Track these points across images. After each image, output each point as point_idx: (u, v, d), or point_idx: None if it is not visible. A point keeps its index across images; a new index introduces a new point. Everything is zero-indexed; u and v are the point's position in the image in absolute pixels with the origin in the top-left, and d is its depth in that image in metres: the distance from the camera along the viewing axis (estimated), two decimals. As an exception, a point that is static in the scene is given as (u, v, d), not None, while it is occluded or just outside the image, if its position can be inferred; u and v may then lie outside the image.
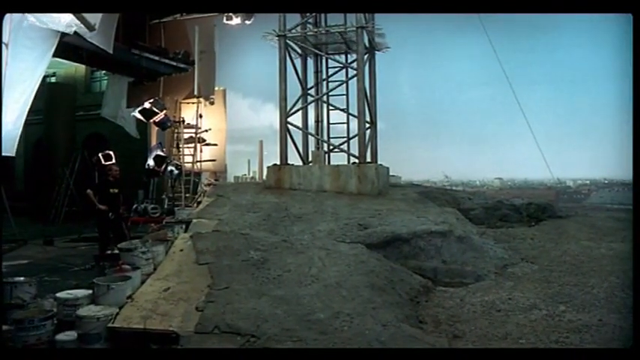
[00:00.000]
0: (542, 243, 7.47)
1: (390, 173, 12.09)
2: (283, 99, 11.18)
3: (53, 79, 20.01)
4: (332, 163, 11.86)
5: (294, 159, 11.62)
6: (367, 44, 11.77)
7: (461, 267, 6.43)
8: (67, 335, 4.56)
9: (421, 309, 5.13)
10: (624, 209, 12.03)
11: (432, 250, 6.67)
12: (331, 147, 12.21)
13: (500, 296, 5.28)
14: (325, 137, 12.47)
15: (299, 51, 12.24)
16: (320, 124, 12.51)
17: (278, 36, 11.01)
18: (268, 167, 11.27)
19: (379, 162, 11.87)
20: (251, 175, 29.07)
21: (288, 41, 11.32)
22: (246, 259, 5.71)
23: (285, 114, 11.19)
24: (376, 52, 12.26)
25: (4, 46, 5.43)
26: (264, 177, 11.12)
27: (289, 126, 11.36)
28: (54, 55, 8.09)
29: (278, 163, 11.11)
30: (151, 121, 11.70)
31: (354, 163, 11.03)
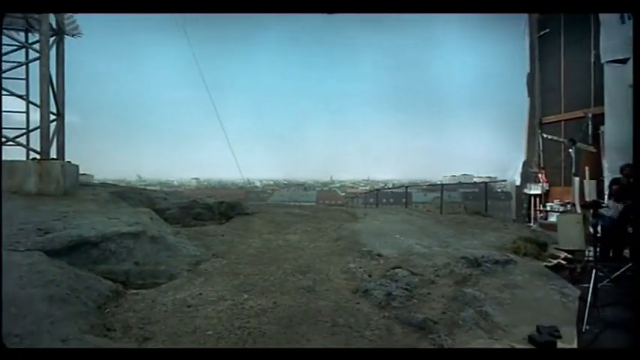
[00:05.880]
0: (231, 238, 8.16)
1: (81, 172, 11.13)
2: None
3: None
4: (5, 158, 10.15)
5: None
6: (55, 25, 10.49)
7: (154, 267, 6.40)
8: None
9: (110, 316, 4.88)
10: (298, 205, 14.25)
11: (124, 253, 6.43)
12: (5, 139, 10.42)
13: (192, 292, 5.51)
14: (-4, 127, 10.59)
15: (-42, 18, 10.00)
16: (-10, 111, 10.52)
17: None
18: None
19: (67, 159, 10.80)
20: None
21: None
22: None
23: None
24: (66, 36, 11.04)
25: None
26: None
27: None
28: None
29: None
30: None
31: (35, 159, 9.68)
